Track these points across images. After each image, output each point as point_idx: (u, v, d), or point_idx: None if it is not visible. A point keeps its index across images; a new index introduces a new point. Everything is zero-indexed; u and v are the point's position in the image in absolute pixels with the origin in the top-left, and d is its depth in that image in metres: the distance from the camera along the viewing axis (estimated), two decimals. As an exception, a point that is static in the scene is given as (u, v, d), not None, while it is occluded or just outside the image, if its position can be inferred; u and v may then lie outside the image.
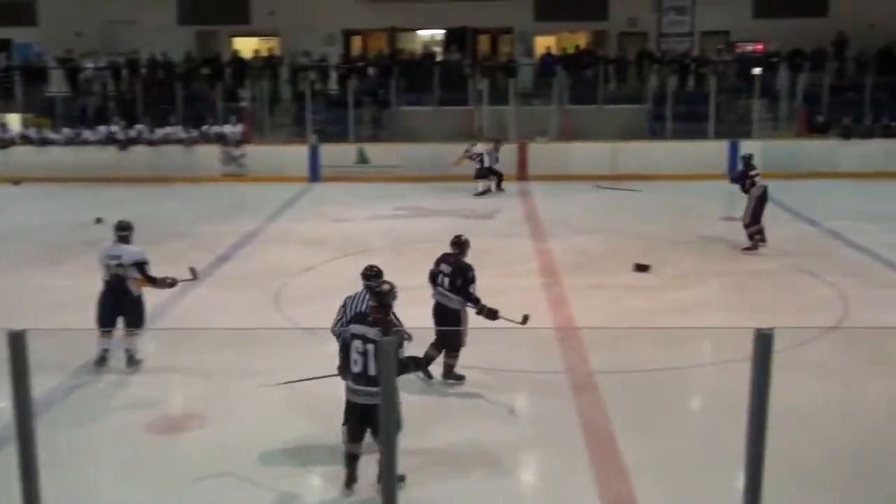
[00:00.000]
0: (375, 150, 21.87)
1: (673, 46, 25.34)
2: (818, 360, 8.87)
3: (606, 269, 12.70)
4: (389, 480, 4.04)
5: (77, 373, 8.78)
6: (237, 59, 24.60)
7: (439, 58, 24.96)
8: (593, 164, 21.16)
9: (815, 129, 22.09)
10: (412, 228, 15.94)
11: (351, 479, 6.40)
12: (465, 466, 6.88)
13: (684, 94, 23.50)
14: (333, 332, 7.20)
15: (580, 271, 12.68)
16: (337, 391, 7.97)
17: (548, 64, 24.11)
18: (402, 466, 6.33)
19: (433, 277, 8.70)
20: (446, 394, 8.25)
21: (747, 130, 22.14)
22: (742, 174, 14.30)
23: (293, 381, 7.89)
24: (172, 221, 16.43)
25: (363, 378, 6.20)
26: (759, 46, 25.63)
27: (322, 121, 22.99)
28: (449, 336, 8.35)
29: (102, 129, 22.18)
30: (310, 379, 7.30)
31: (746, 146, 21.19)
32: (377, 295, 6.51)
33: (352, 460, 6.41)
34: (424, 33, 27.92)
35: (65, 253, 13.95)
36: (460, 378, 8.44)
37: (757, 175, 14.05)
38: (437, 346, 8.41)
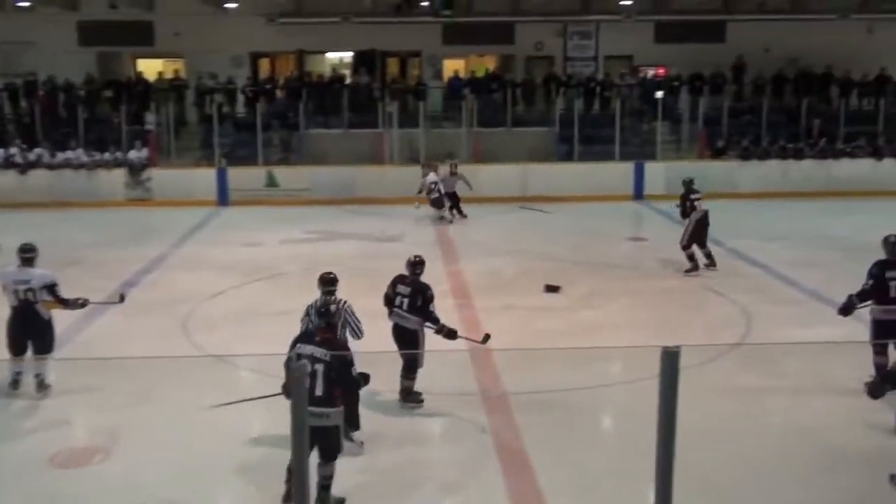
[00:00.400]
0: (285, 174, 21.70)
1: (578, 70, 25.87)
2: (724, 377, 9.10)
3: (517, 291, 12.81)
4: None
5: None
6: (141, 82, 24.13)
7: (348, 80, 24.94)
8: (503, 187, 21.40)
9: (715, 151, 22.77)
10: (323, 252, 15.81)
11: (289, 497, 6.30)
12: (377, 488, 6.83)
13: (590, 117, 23.99)
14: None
15: (492, 293, 12.77)
16: (254, 421, 7.84)
17: (456, 87, 24.33)
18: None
19: (389, 300, 8.62)
20: (380, 416, 8.17)
21: (652, 152, 22.71)
22: (682, 198, 14.18)
23: (234, 402, 7.73)
24: (73, 247, 15.96)
25: (311, 399, 5.90)
26: (661, 70, 26.36)
27: (230, 144, 22.73)
28: (407, 357, 8.32)
29: (0, 152, 21.46)
30: (251, 399, 7.05)
31: (651, 168, 21.84)
32: (324, 315, 6.67)
33: (291, 476, 6.15)
34: (333, 56, 27.88)
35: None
36: (419, 400, 8.39)
37: (698, 199, 14.04)
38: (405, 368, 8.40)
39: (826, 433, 7.65)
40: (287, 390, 6.31)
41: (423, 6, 20.90)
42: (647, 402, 5.60)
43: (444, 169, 19.38)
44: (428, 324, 8.41)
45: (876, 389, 6.98)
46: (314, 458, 6.10)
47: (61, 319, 11.11)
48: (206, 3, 21.93)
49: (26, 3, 23.47)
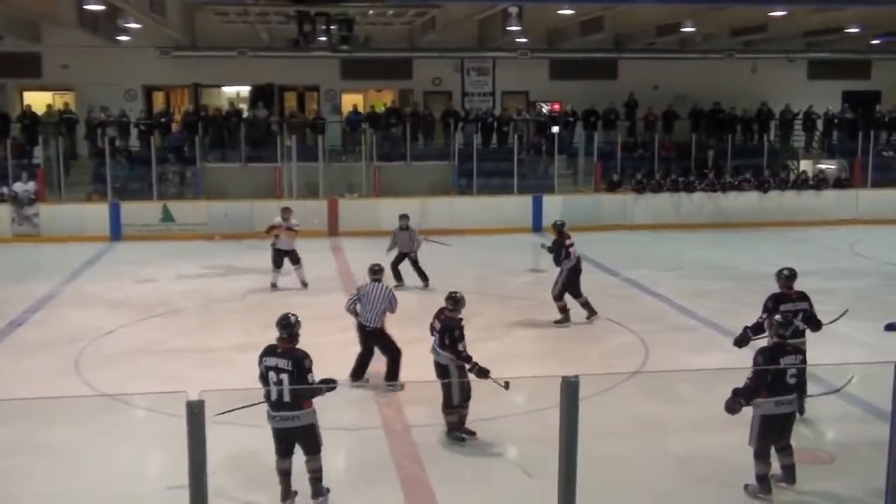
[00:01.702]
0: (181, 208, 21.29)
1: (476, 105, 26.24)
2: (623, 404, 9.27)
3: (420, 324, 12.78)
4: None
5: None
6: (28, 114, 23.38)
7: (245, 114, 24.70)
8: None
9: (610, 185, 23.34)
10: (220, 287, 15.55)
11: (286, 494, 7.02)
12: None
13: (489, 151, 24.33)
14: (348, 310, 9.92)
15: (394, 326, 12.71)
16: (149, 464, 7.63)
17: (355, 121, 24.37)
18: None
19: (431, 331, 8.65)
20: (265, 452, 8.00)
21: (549, 186, 23.15)
22: (557, 243, 13.10)
23: (224, 412, 7.34)
24: (-44, 286, 15.31)
25: (280, 405, 6.82)
26: (556, 106, 26.95)
27: (123, 178, 22.21)
28: (444, 392, 8.34)
29: None
30: (241, 408, 6.96)
31: (549, 201, 22.21)
32: (285, 327, 7.08)
33: (284, 476, 7.01)
34: (229, 90, 27.61)
35: None
36: (461, 438, 8.32)
37: (572, 245, 13.09)
38: (447, 405, 8.38)
39: (723, 458, 7.84)
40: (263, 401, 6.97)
41: (320, 41, 20.88)
42: (549, 431, 5.68)
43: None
44: (459, 361, 8.34)
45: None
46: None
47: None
48: (97, 35, 21.44)
49: None
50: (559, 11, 20.76)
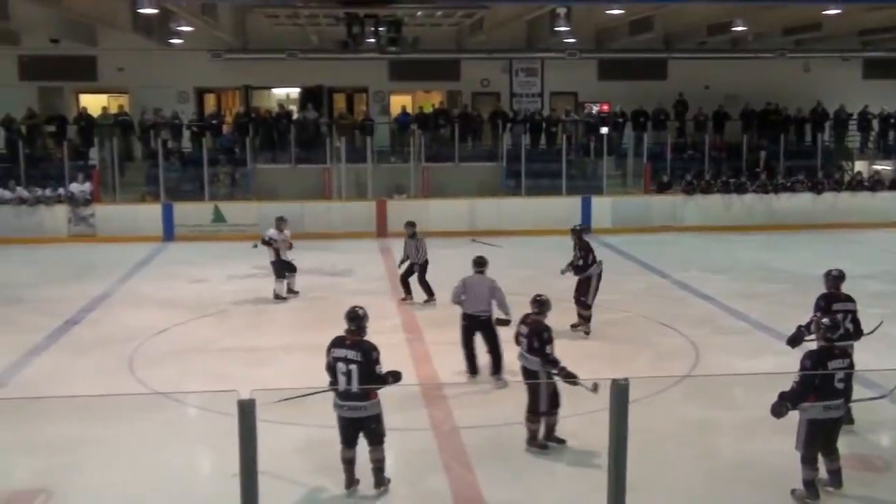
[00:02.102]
0: (231, 209, 21.54)
1: (524, 106, 26.18)
2: (673, 408, 9.18)
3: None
4: None
5: None
6: (84, 117, 23.82)
7: (295, 116, 24.91)
8: (452, 221, 21.47)
9: (660, 186, 23.13)
10: (270, 288, 15.68)
11: (350, 482, 7.28)
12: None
13: (537, 152, 24.25)
14: (454, 301, 10.23)
15: (442, 327, 12.70)
16: (200, 461, 7.74)
17: (403, 122, 24.45)
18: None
19: (516, 338, 8.57)
20: (315, 452, 8.06)
21: (598, 187, 23.00)
22: (585, 248, 12.95)
23: (288, 399, 7.53)
24: (13, 285, 15.64)
25: (348, 395, 7.04)
26: (605, 107, 26.77)
27: (176, 179, 22.54)
28: (531, 398, 8.21)
29: (-63, 188, 21.03)
30: (305, 395, 7.31)
31: (598, 202, 22.09)
32: (353, 319, 7.25)
33: (348, 465, 7.27)
34: (280, 91, 27.87)
35: None
36: (544, 445, 8.24)
37: (593, 250, 13.01)
38: (532, 411, 8.24)
39: (771, 462, 7.72)
40: (331, 388, 7.23)
41: (369, 43, 20.99)
42: (598, 434, 5.64)
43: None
44: (547, 366, 8.24)
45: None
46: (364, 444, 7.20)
47: (0, 359, 10.90)
48: (151, 38, 21.79)
49: (-35, 38, 23.12)
50: (608, 11, 20.62)
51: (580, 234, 13.08)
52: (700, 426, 8.78)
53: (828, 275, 8.88)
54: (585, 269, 12.74)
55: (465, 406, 9.26)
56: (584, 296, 12.72)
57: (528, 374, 8.37)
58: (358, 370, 7.02)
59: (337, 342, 7.25)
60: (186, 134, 24.11)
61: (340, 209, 21.79)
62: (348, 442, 7.23)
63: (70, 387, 9.84)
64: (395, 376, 7.22)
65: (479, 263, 10.44)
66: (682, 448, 8.26)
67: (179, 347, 11.74)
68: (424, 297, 14.35)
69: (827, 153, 24.88)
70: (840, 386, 6.98)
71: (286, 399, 7.85)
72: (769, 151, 24.45)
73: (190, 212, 21.37)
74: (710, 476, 7.65)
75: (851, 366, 7.18)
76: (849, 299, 8.69)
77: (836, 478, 7.23)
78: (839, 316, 8.35)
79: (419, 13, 22.07)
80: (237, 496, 4.98)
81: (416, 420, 8.84)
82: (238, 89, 26.81)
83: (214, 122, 24.33)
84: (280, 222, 15.06)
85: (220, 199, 21.99)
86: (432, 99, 27.12)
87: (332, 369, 7.19)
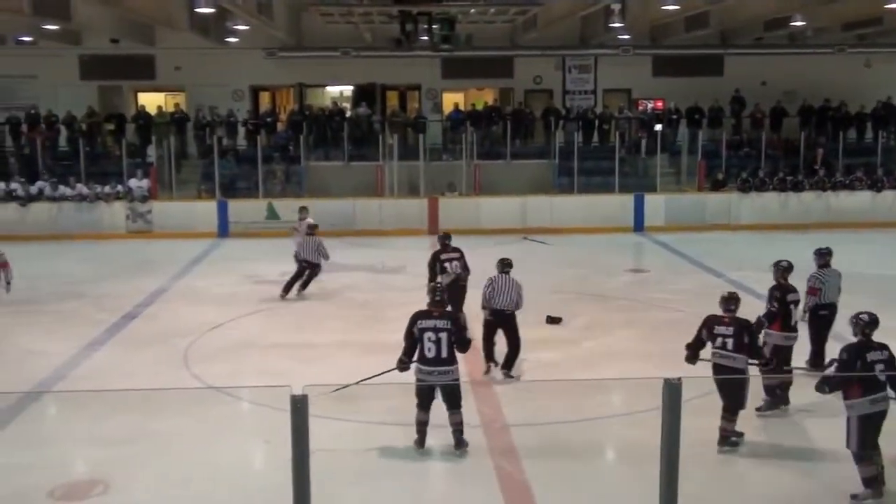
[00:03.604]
0: (285, 206, 21.72)
1: (577, 103, 26.02)
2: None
3: (519, 323, 12.75)
4: None
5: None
6: (142, 115, 24.24)
7: (348, 114, 25.06)
8: (503, 218, 21.45)
9: (714, 184, 22.83)
10: (323, 283, 15.81)
11: (422, 442, 7.99)
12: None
13: (589, 150, 24.09)
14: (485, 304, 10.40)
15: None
16: (253, 455, 7.83)
17: (456, 120, 24.45)
18: None
19: (701, 343, 8.25)
20: (366, 449, 8.11)
21: (651, 184, 22.79)
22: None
23: (350, 385, 8.38)
24: (74, 280, 15.97)
25: (437, 361, 7.85)
26: (660, 104, 26.51)
27: (231, 176, 22.83)
28: (733, 400, 8.03)
29: (1, 185, 21.52)
30: (381, 374, 7.99)
31: (651, 200, 21.91)
32: (436, 292, 8.20)
33: (422, 426, 7.96)
34: (333, 89, 28.06)
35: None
36: (735, 442, 8.16)
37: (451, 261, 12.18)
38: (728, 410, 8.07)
39: (831, 465, 7.59)
40: (400, 366, 8.01)
41: (422, 40, 21.05)
42: (650, 434, 5.59)
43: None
44: (754, 360, 8.11)
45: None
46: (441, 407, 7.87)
47: (55, 356, 11.14)
48: (207, 37, 22.10)
49: (29, 38, 23.64)
50: (663, 7, 20.37)
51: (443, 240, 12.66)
52: (754, 426, 8.64)
53: (777, 265, 9.37)
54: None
55: (514, 403, 9.25)
56: None
57: (731, 371, 8.03)
58: (447, 337, 7.82)
59: (423, 314, 7.99)
60: (241, 131, 24.38)
61: (392, 206, 21.85)
62: (424, 406, 7.93)
63: (127, 380, 10.02)
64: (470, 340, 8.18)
65: (505, 264, 10.81)
66: (738, 450, 8.13)
67: (233, 343, 11.89)
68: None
69: (887, 150, 24.33)
70: (883, 378, 6.87)
71: (359, 382, 8.49)
72: (827, 149, 23.99)
73: (244, 209, 21.62)
74: (766, 478, 7.53)
75: (892, 357, 7.02)
76: (795, 290, 9.24)
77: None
78: (792, 306, 9.01)
79: (472, 10, 22.07)
80: (289, 490, 5.02)
81: (466, 417, 8.83)
82: (292, 87, 27.05)
83: (269, 119, 24.57)
84: (304, 212, 16.11)
85: (274, 197, 22.21)
86: (485, 96, 27.10)
87: (417, 340, 7.88)
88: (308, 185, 23.10)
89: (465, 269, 12.09)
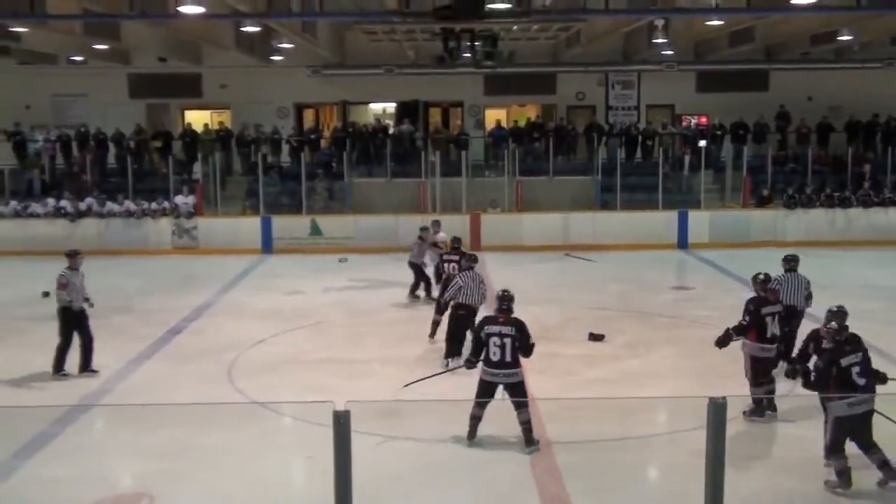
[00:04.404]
0: (328, 222, 21.89)
1: (620, 119, 25.93)
2: (773, 428, 8.93)
3: (561, 339, 12.72)
4: None
5: (23, 450, 8.51)
6: (189, 132, 24.59)
7: (391, 130, 25.20)
8: (546, 235, 21.40)
9: (760, 200, 22.58)
10: (366, 300, 15.88)
11: (473, 435, 8.42)
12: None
13: (632, 166, 23.97)
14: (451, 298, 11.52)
15: (536, 341, 12.67)
16: (295, 471, 7.87)
17: (498, 136, 24.47)
18: None
19: (810, 354, 8.06)
20: (408, 465, 8.12)
21: (695, 201, 22.60)
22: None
23: (417, 381, 9.36)
24: (122, 295, 16.19)
25: (501, 364, 8.31)
26: (704, 119, 26.32)
27: (275, 192, 23.03)
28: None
29: (51, 201, 21.94)
30: (432, 376, 8.83)
31: (695, 216, 21.72)
32: (505, 300, 8.60)
33: (476, 420, 8.40)
34: (376, 106, 28.25)
35: (4, 329, 13.71)
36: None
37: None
38: None
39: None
40: (467, 364, 8.70)
41: (465, 57, 21.12)
42: (694, 454, 5.54)
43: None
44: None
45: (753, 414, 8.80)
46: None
47: (107, 366, 11.29)
48: (252, 56, 22.39)
49: (80, 58, 24.15)
50: (707, 22, 20.27)
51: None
52: (800, 446, 8.49)
53: (755, 279, 9.51)
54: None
55: (557, 421, 9.18)
56: None
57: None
58: (511, 343, 8.30)
59: (490, 320, 8.57)
60: (285, 148, 24.62)
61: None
62: (482, 404, 8.36)
63: (172, 394, 10.13)
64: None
65: (472, 260, 12.00)
66: (783, 470, 8.01)
67: (277, 358, 11.96)
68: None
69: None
70: (861, 381, 7.28)
71: (419, 380, 9.24)
72: (875, 164, 23.63)
73: (288, 225, 21.80)
74: (816, 500, 7.40)
75: (867, 359, 7.44)
76: (777, 301, 9.49)
77: (888, 471, 7.29)
78: (768, 319, 9.08)
79: (515, 27, 22.11)
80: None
81: (506, 432, 8.81)
82: (336, 104, 27.29)
83: (313, 136, 24.79)
84: (436, 226, 16.39)
85: (318, 213, 22.37)
86: (527, 112, 27.12)
87: (483, 343, 8.40)
88: (351, 201, 23.24)
89: (462, 270, 12.31)
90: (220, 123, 25.36)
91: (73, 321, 11.07)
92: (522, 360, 8.56)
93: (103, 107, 25.53)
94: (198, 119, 26.13)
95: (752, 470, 7.72)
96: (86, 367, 11.15)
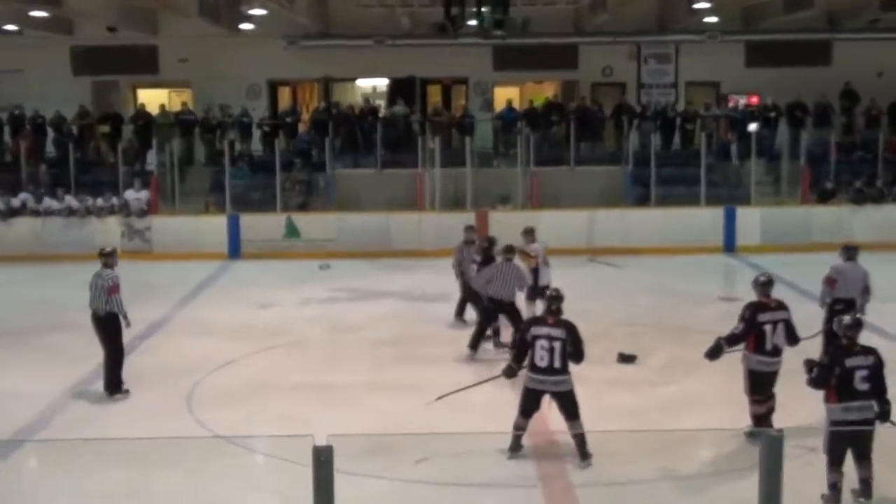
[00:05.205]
0: (307, 221, 21.86)
1: (655, 99, 25.93)
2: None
3: (585, 360, 12.65)
4: None
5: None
6: (142, 115, 24.58)
7: (382, 113, 25.19)
8: (566, 237, 21.32)
9: (821, 195, 22.56)
10: (351, 314, 15.84)
11: (516, 447, 8.95)
12: None
13: (670, 155, 23.95)
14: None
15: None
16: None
17: (510, 119, 24.47)
18: None
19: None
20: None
21: (745, 195, 22.57)
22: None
23: (451, 393, 9.93)
24: (60, 308, 16.12)
25: (549, 370, 8.77)
26: (754, 99, 26.31)
27: (244, 186, 23.01)
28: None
29: (-21, 198, 21.96)
30: (462, 389, 9.32)
31: (744, 214, 21.65)
32: (555, 300, 9.10)
33: (520, 431, 8.90)
34: (364, 84, 28.25)
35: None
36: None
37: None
38: None
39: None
40: (508, 372, 9.39)
41: (469, 26, 21.10)
42: (745, 497, 5.50)
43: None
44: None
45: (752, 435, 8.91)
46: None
47: (43, 395, 11.25)
48: (218, 24, 22.38)
49: (14, 28, 24.11)
50: (758, -16, 20.30)
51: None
52: (874, 487, 8.46)
53: (755, 281, 9.76)
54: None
55: (578, 458, 9.15)
56: None
57: None
58: (561, 347, 8.73)
59: (537, 321, 9.17)
60: (257, 134, 24.64)
61: (434, 222, 21.82)
62: (528, 413, 8.90)
63: (122, 427, 10.09)
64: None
65: (508, 251, 13.13)
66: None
67: (246, 383, 11.92)
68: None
69: None
70: (863, 387, 7.70)
71: (447, 395, 9.85)
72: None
73: (259, 225, 21.80)
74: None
75: (879, 364, 7.83)
76: (780, 307, 9.54)
77: (865, 488, 7.76)
78: (767, 327, 9.32)
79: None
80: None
81: (524, 474, 8.78)
82: (317, 82, 27.32)
83: (289, 119, 24.81)
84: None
85: (295, 211, 22.36)
86: (544, 91, 27.12)
87: (529, 347, 8.86)
88: (335, 196, 23.20)
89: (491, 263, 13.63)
90: (184, 104, 25.34)
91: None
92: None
93: (41, 85, 25.51)
94: (153, 99, 26.10)
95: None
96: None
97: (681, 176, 23.06)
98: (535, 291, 13.76)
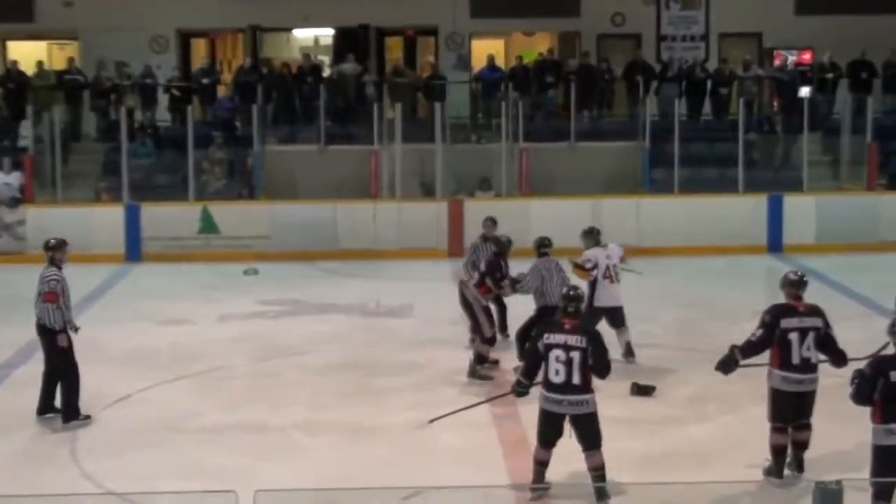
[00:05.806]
0: (228, 213, 21.79)
1: (679, 55, 26.02)
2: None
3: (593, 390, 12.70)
4: None
5: None
6: (14, 74, 24.46)
7: (327, 72, 25.15)
8: (565, 232, 21.31)
9: (893, 178, 22.72)
10: (286, 334, 15.80)
11: (539, 483, 9.08)
12: None
13: (698, 127, 24.03)
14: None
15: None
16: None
17: (492, 81, 24.48)
18: None
19: None
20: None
21: (795, 180, 22.66)
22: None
23: (450, 413, 10.23)
24: None
25: (567, 387, 8.88)
26: (806, 56, 26.45)
27: (147, 167, 22.91)
28: None
29: None
30: (462, 409, 9.33)
31: (793, 203, 21.73)
32: (573, 300, 9.31)
33: (542, 466, 9.17)
34: (303, 34, 28.21)
35: None
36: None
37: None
38: None
39: None
40: (517, 389, 9.68)
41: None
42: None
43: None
44: None
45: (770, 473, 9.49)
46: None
47: None
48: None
49: None
50: None
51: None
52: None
53: (784, 279, 10.10)
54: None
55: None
56: None
57: None
58: (580, 358, 8.83)
59: (551, 328, 9.19)
60: (163, 100, 24.54)
61: (393, 214, 21.85)
62: (548, 443, 9.07)
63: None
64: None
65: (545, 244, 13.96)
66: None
67: (147, 424, 11.86)
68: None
69: None
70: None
71: (443, 416, 9.97)
72: None
73: (167, 218, 21.75)
74: None
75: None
76: (812, 313, 9.80)
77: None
78: (792, 335, 9.51)
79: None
80: None
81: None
82: (241, 32, 27.23)
83: (205, 81, 24.73)
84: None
85: (212, 199, 22.32)
86: (536, 45, 27.17)
87: (541, 358, 9.02)
88: (265, 180, 23.12)
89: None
90: (69, 61, 25.20)
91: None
92: None
93: None
94: (28, 54, 26.01)
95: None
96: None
97: (712, 154, 23.20)
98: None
